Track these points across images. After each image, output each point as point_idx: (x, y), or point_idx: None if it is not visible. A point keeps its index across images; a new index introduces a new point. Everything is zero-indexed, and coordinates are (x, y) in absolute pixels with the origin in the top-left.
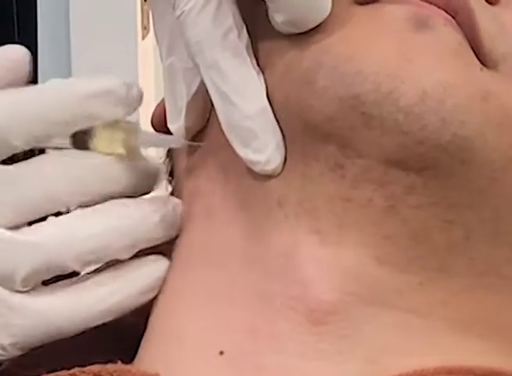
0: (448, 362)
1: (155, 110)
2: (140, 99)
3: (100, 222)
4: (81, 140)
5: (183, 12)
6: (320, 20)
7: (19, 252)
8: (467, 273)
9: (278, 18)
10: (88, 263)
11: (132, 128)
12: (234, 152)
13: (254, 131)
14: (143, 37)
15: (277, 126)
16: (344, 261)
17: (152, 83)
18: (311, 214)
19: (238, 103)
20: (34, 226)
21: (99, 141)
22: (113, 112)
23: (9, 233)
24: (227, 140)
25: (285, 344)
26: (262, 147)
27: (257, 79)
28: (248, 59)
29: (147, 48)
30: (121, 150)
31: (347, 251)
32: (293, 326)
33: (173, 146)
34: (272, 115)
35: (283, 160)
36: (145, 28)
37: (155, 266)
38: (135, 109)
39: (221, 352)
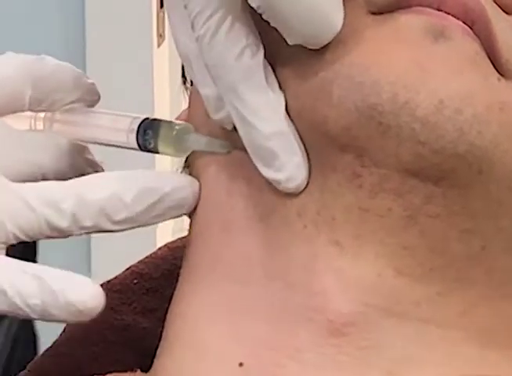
0: (466, 372)
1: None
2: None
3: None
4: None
5: (199, 35)
6: (332, 37)
7: None
8: (485, 283)
9: (290, 41)
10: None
11: (185, 129)
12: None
13: (273, 151)
14: (159, 45)
15: (298, 145)
16: (363, 272)
17: (167, 90)
18: (329, 224)
19: (256, 124)
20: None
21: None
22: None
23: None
24: (244, 152)
25: (304, 355)
26: (283, 166)
27: (273, 99)
28: (263, 78)
29: (162, 55)
30: (170, 150)
31: (365, 262)
32: (313, 337)
33: (219, 150)
34: (291, 135)
35: (305, 179)
36: (160, 36)
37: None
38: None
39: (241, 364)
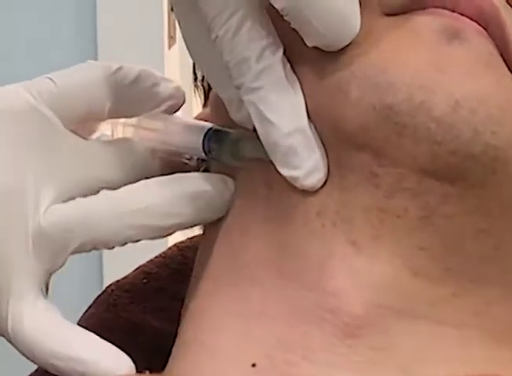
0: (481, 372)
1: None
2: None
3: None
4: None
5: (218, 36)
6: (350, 40)
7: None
8: (500, 283)
9: (309, 43)
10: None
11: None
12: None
13: (292, 148)
14: (169, 47)
15: (316, 142)
16: (379, 273)
17: None
18: (347, 224)
19: (275, 121)
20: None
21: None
22: None
23: None
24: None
25: (318, 355)
26: (301, 163)
27: (293, 96)
28: (284, 77)
29: (173, 57)
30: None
31: (382, 262)
32: (327, 337)
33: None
34: (311, 132)
35: (323, 176)
36: (171, 38)
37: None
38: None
39: (254, 365)
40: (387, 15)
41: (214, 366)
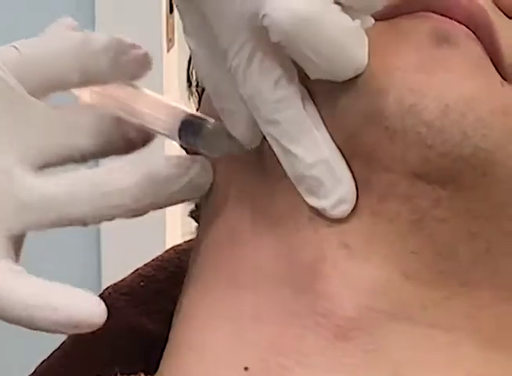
0: (472, 375)
1: None
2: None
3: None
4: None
5: (231, 66)
6: (355, 72)
7: None
8: (491, 287)
9: (311, 76)
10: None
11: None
12: (263, 176)
13: (318, 179)
14: (168, 50)
15: (343, 172)
16: (371, 276)
17: (176, 94)
18: (340, 228)
19: (298, 153)
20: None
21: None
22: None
23: None
24: (254, 158)
25: (311, 359)
26: (327, 194)
27: (313, 127)
28: (301, 108)
29: (172, 60)
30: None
31: (374, 266)
32: (319, 341)
33: (238, 151)
34: (335, 163)
35: (350, 207)
36: (170, 40)
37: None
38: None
39: (246, 368)
40: (377, 19)
41: (204, 369)
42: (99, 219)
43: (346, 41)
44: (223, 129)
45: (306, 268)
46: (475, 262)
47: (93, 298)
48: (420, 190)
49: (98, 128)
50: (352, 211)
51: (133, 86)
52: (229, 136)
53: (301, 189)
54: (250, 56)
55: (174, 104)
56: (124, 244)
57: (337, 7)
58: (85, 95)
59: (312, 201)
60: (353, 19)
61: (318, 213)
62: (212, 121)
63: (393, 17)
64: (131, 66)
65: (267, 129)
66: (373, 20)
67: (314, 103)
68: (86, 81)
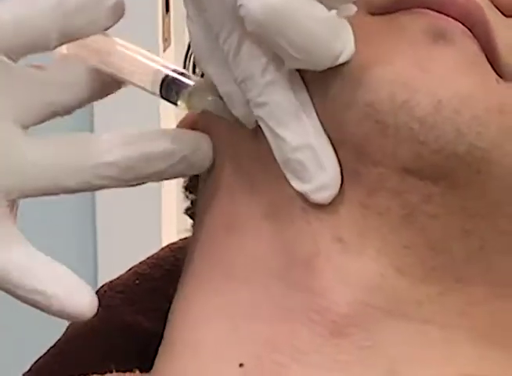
0: (467, 372)
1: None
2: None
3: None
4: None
5: (224, 50)
6: (332, 63)
7: None
8: (484, 284)
9: (288, 65)
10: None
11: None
12: (260, 163)
13: (302, 162)
14: (164, 50)
15: (328, 158)
16: (365, 271)
17: None
18: (333, 219)
19: (285, 136)
20: None
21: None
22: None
23: None
24: (252, 151)
25: (305, 355)
26: (310, 179)
27: (301, 111)
28: (290, 91)
29: (168, 60)
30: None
31: (368, 260)
32: (314, 337)
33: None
34: (320, 149)
35: (332, 194)
36: (166, 40)
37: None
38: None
39: (241, 365)
40: (374, 14)
41: (199, 366)
42: (88, 188)
43: (320, 32)
44: (206, 87)
45: (301, 262)
46: (469, 259)
47: (86, 290)
48: (411, 185)
49: (79, 82)
50: (341, 201)
51: (108, 36)
52: (212, 95)
53: (286, 173)
54: (239, 43)
55: (154, 57)
56: (121, 241)
57: None
58: (62, 47)
59: (296, 185)
60: (330, 9)
61: (309, 203)
62: (195, 78)
63: (390, 13)
64: (106, 17)
65: (257, 112)
66: (355, 8)
67: (307, 89)
68: (64, 41)
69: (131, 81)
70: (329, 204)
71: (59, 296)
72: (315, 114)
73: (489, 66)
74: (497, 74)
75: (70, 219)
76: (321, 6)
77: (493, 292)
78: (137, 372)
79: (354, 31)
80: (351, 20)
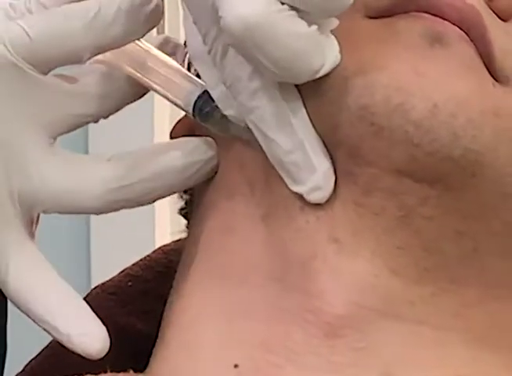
0: (460, 373)
1: (175, 126)
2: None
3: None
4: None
5: (210, 51)
6: (310, 77)
7: None
8: (478, 285)
9: (269, 78)
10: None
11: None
12: (260, 164)
13: (296, 164)
14: None
15: (319, 160)
16: (360, 272)
17: None
18: (330, 219)
19: (276, 138)
20: None
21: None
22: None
23: None
24: (252, 152)
25: (300, 356)
26: (305, 180)
27: (291, 114)
28: (277, 94)
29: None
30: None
31: (363, 261)
32: (309, 338)
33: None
34: (309, 150)
35: (326, 195)
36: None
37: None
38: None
39: (236, 366)
40: (370, 17)
41: (193, 366)
42: (105, 211)
43: (299, 47)
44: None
45: (297, 264)
46: (462, 260)
47: (98, 330)
48: (407, 187)
49: (105, 93)
50: (337, 201)
51: (146, 46)
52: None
53: (282, 174)
54: (224, 48)
55: (190, 74)
56: (114, 242)
57: (293, 13)
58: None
59: (292, 186)
60: (311, 24)
61: (307, 202)
62: None
63: (387, 16)
64: (144, 25)
65: (248, 116)
66: (337, 22)
67: (299, 91)
68: (99, 53)
69: (166, 96)
70: (326, 202)
71: (71, 336)
72: (304, 116)
73: (485, 70)
74: (493, 77)
75: (63, 220)
76: (301, 22)
77: (487, 294)
78: (131, 372)
79: (350, 34)
80: (348, 24)
